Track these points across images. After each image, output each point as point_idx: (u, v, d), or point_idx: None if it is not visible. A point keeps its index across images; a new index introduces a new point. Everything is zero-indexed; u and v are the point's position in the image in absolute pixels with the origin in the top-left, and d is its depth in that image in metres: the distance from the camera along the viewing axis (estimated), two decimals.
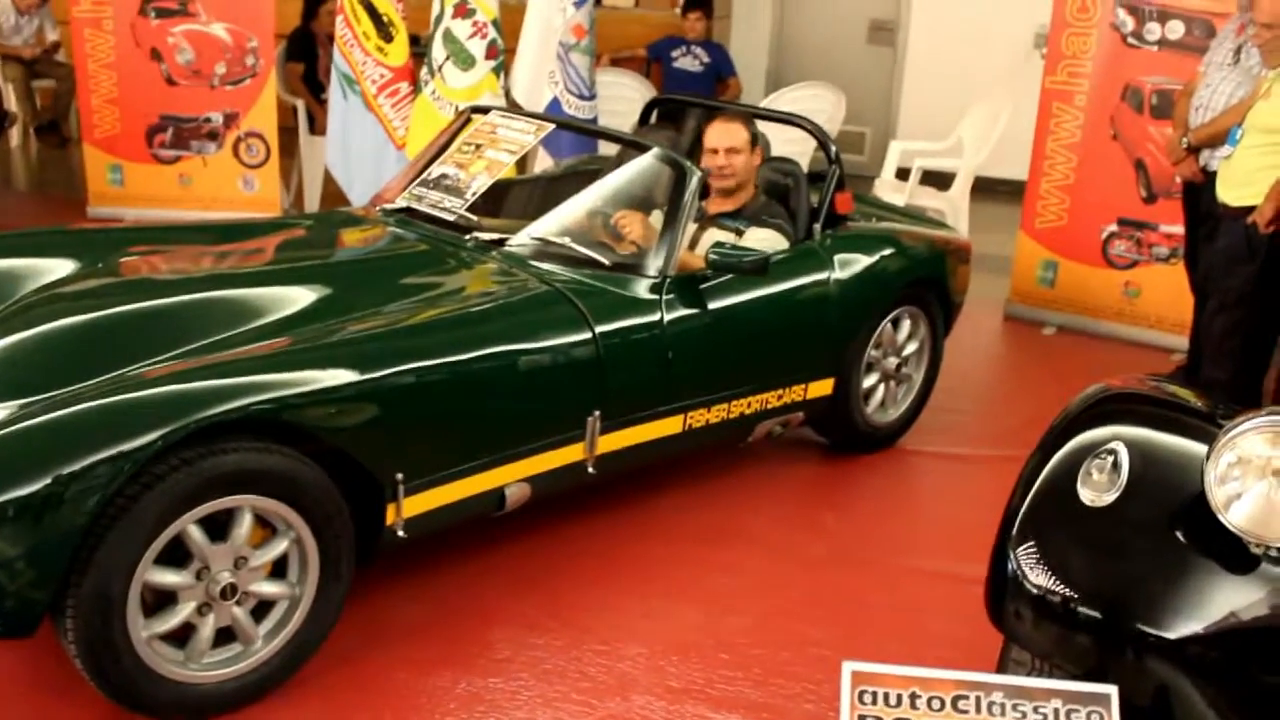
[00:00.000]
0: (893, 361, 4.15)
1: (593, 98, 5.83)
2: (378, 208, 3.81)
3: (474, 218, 3.63)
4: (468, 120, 4.01)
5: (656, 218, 3.66)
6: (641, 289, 3.40)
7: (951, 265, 4.36)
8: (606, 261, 3.41)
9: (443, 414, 2.90)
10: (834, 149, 4.14)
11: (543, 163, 5.55)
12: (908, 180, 6.44)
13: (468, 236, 3.49)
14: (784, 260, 3.80)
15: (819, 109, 6.75)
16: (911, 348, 4.24)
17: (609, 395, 3.23)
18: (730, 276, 3.55)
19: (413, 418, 2.83)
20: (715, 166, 3.86)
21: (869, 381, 4.10)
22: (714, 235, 3.88)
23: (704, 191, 3.95)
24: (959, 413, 4.70)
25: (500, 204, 4.11)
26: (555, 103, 5.78)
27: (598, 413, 3.21)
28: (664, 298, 3.41)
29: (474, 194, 3.65)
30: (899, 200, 6.15)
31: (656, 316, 3.38)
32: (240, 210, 6.26)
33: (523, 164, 5.57)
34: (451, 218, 3.60)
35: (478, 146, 3.88)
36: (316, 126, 6.67)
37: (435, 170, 3.83)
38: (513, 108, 5.59)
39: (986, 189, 7.64)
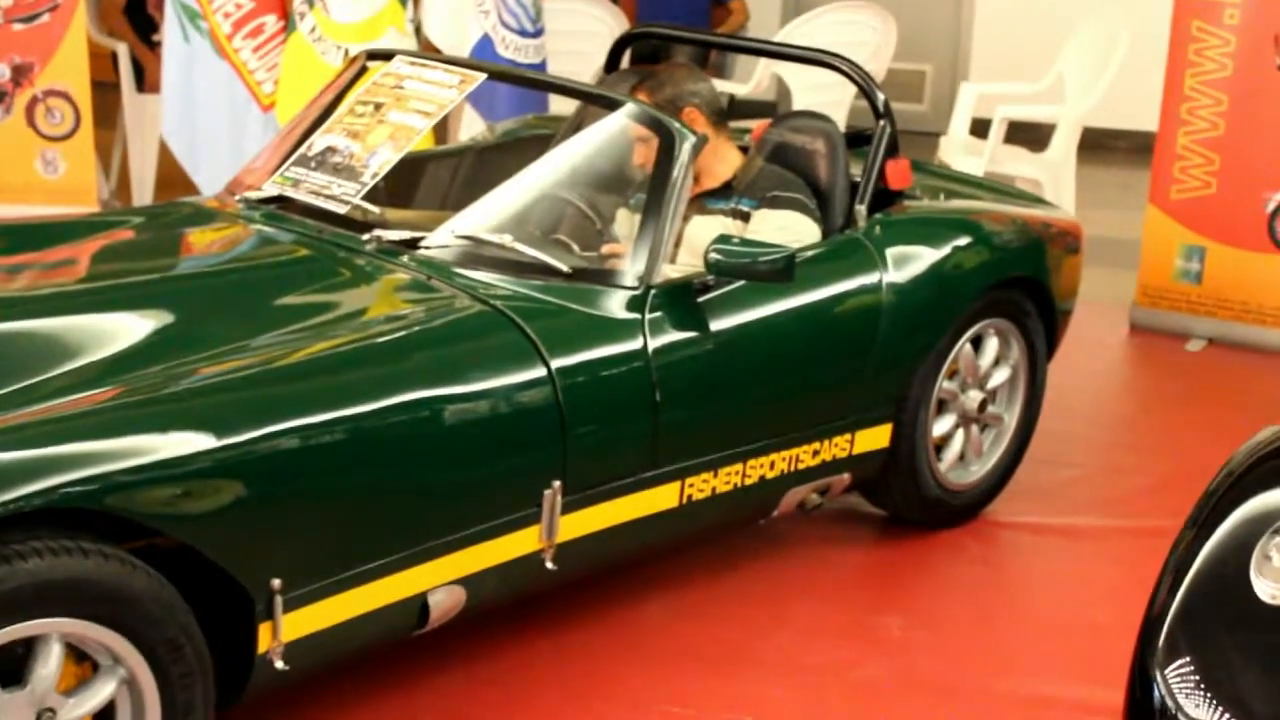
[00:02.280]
0: (975, 397, 4.16)
1: (539, 34, 5.85)
2: (237, 197, 3.81)
3: (375, 209, 3.63)
4: (363, 70, 4.02)
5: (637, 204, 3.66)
6: (615, 305, 3.41)
7: (1055, 258, 4.38)
8: (564, 268, 3.42)
9: (336, 492, 2.89)
10: (881, 97, 4.16)
11: (472, 127, 5.58)
12: (987, 137, 6.46)
13: (366, 236, 3.49)
14: (816, 258, 3.81)
15: (859, 40, 6.82)
16: (1001, 377, 4.26)
17: (573, 457, 3.23)
18: (739, 284, 3.55)
19: (293, 499, 2.82)
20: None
21: (941, 427, 4.11)
22: (704, 226, 3.87)
23: None
24: (1071, 467, 4.69)
25: (413, 189, 4.12)
26: (486, 42, 5.80)
27: (557, 483, 3.21)
28: (647, 316, 3.41)
29: (374, 175, 3.64)
30: (975, 166, 6.19)
31: (637, 343, 3.38)
32: (39, 204, 6.20)
33: (442, 130, 5.64)
34: (342, 209, 3.59)
35: (377, 107, 3.87)
36: (147, 81, 6.67)
37: (318, 142, 3.82)
38: (427, 50, 5.61)
39: (1098, 146, 7.71)
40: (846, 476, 3.91)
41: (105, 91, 6.73)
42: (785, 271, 3.45)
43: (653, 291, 3.45)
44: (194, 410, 2.77)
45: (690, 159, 3.57)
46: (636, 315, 3.40)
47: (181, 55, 5.88)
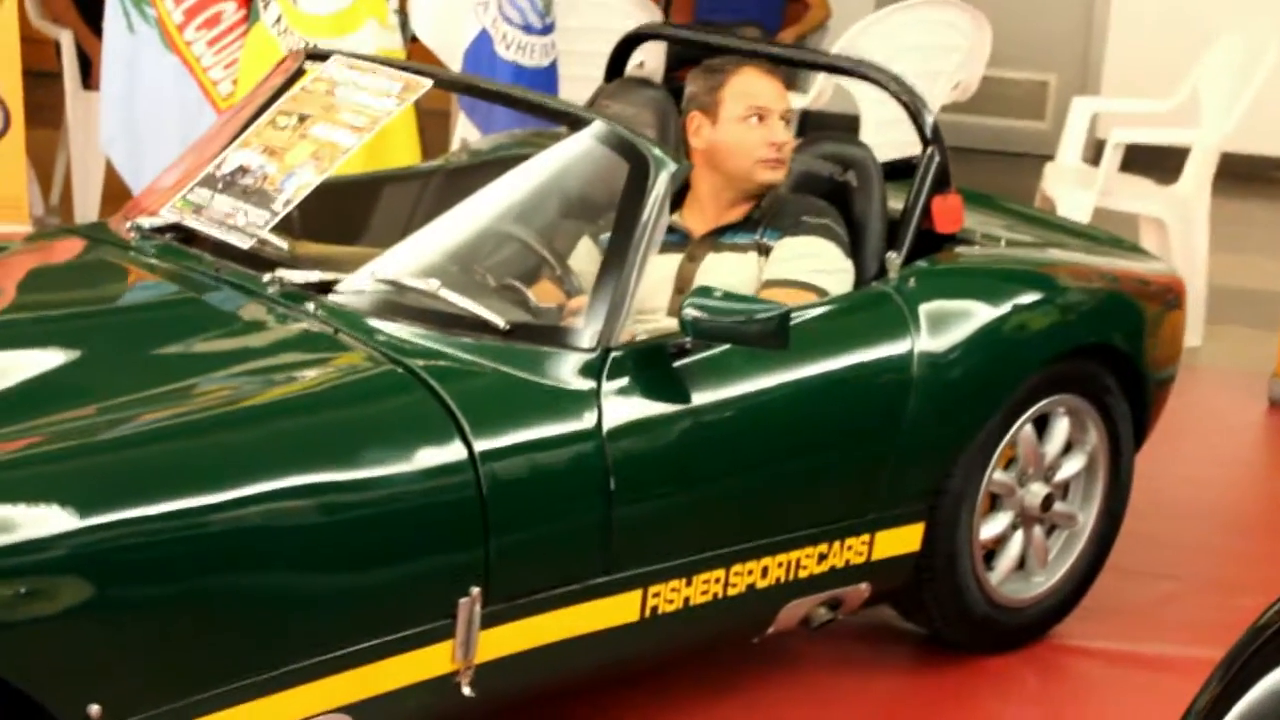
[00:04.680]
0: (1037, 492, 4.03)
1: (548, 30, 5.82)
2: (129, 224, 3.76)
3: (283, 245, 3.60)
4: (299, 72, 3.96)
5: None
6: (564, 371, 3.33)
7: (1149, 320, 4.27)
8: (501, 323, 3.33)
9: (181, 596, 2.82)
10: (929, 119, 4.09)
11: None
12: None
13: (268, 277, 3.41)
14: (827, 315, 3.71)
15: (948, 44, 6.69)
16: (1073, 467, 4.13)
17: (498, 558, 3.15)
18: (722, 349, 3.45)
19: (124, 605, 2.77)
20: (767, 146, 3.84)
21: (993, 528, 3.99)
22: (719, 266, 3.81)
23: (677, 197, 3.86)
24: (1168, 580, 4.54)
25: (348, 221, 4.07)
26: (484, 39, 5.78)
27: (476, 590, 3.12)
28: (604, 385, 3.33)
29: (287, 203, 3.61)
30: (1085, 202, 6.03)
31: (589, 418, 3.29)
32: None
33: (437, 144, 5.57)
34: (246, 244, 3.53)
35: (302, 119, 3.82)
36: (94, 76, 6.65)
37: (230, 159, 3.78)
38: (415, 51, 5.56)
39: (1238, 175, 7.47)
40: (865, 587, 3.80)
41: (45, 87, 6.74)
42: (777, 334, 3.34)
43: (613, 355, 3.36)
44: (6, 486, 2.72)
45: (666, 191, 3.47)
46: (590, 384, 3.32)
47: (124, 48, 5.86)
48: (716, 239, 3.87)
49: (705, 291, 3.37)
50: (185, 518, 2.81)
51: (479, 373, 3.25)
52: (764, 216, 3.86)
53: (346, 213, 4.11)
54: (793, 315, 3.50)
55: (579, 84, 5.43)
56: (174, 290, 3.50)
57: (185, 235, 3.67)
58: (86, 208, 6.65)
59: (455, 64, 5.92)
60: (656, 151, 3.51)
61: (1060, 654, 4.14)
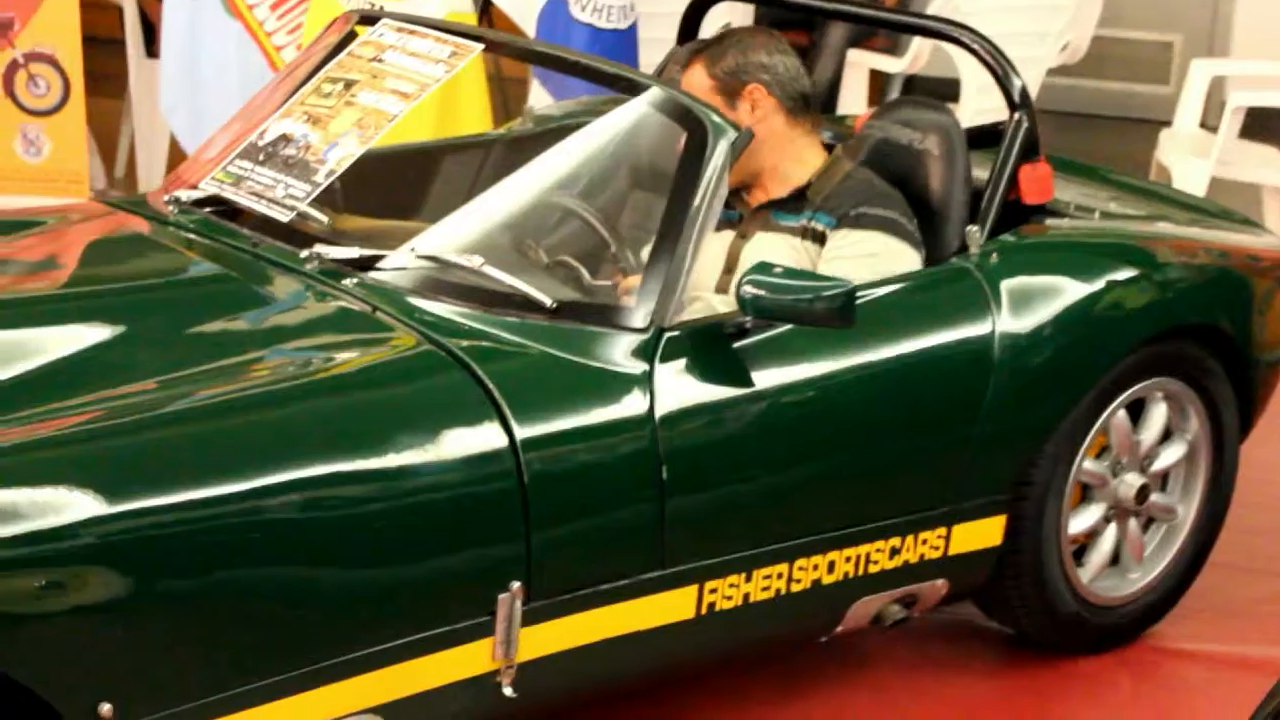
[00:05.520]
0: (1132, 483, 3.96)
1: None
2: (167, 197, 3.78)
3: (323, 219, 3.60)
4: (350, 35, 3.95)
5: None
6: (614, 353, 3.30)
7: (1258, 298, 4.18)
8: (547, 301, 3.31)
9: (201, 591, 2.82)
10: (1018, 83, 4.01)
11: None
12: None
13: (305, 253, 3.40)
14: (900, 292, 3.66)
15: (1051, 2, 6.60)
16: (1172, 456, 4.06)
17: (540, 552, 3.13)
18: (784, 328, 3.40)
19: (140, 599, 2.76)
20: None
21: (1083, 521, 3.93)
22: (769, 246, 3.75)
23: None
24: (1277, 577, 4.45)
25: (391, 192, 4.05)
26: (558, 1, 5.72)
27: (516, 585, 3.10)
28: (657, 368, 3.30)
29: (329, 174, 3.60)
30: (1201, 171, 5.93)
31: (640, 404, 3.27)
32: (17, 193, 6.29)
33: (510, 107, 5.57)
34: (285, 217, 3.53)
35: (348, 85, 3.81)
36: (157, 43, 6.69)
37: (272, 128, 3.78)
38: (494, 14, 5.56)
39: None
40: (942, 584, 3.75)
41: (107, 54, 6.79)
42: (842, 312, 3.31)
43: (666, 335, 3.33)
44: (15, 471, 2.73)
45: (726, 161, 3.44)
46: (642, 366, 3.29)
47: (185, 13, 5.95)
48: (767, 216, 3.81)
49: (764, 268, 3.32)
50: (208, 506, 2.81)
51: (522, 354, 3.24)
52: (818, 195, 3.79)
53: (398, 184, 4.10)
54: (863, 292, 3.50)
55: (663, 47, 5.39)
56: (208, 267, 3.52)
57: (225, 209, 3.68)
58: (151, 181, 6.71)
59: (529, 27, 5.92)
60: (716, 118, 3.47)
61: (1158, 656, 4.09)
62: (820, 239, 3.76)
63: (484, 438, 3.08)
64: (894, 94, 7.81)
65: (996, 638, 4.07)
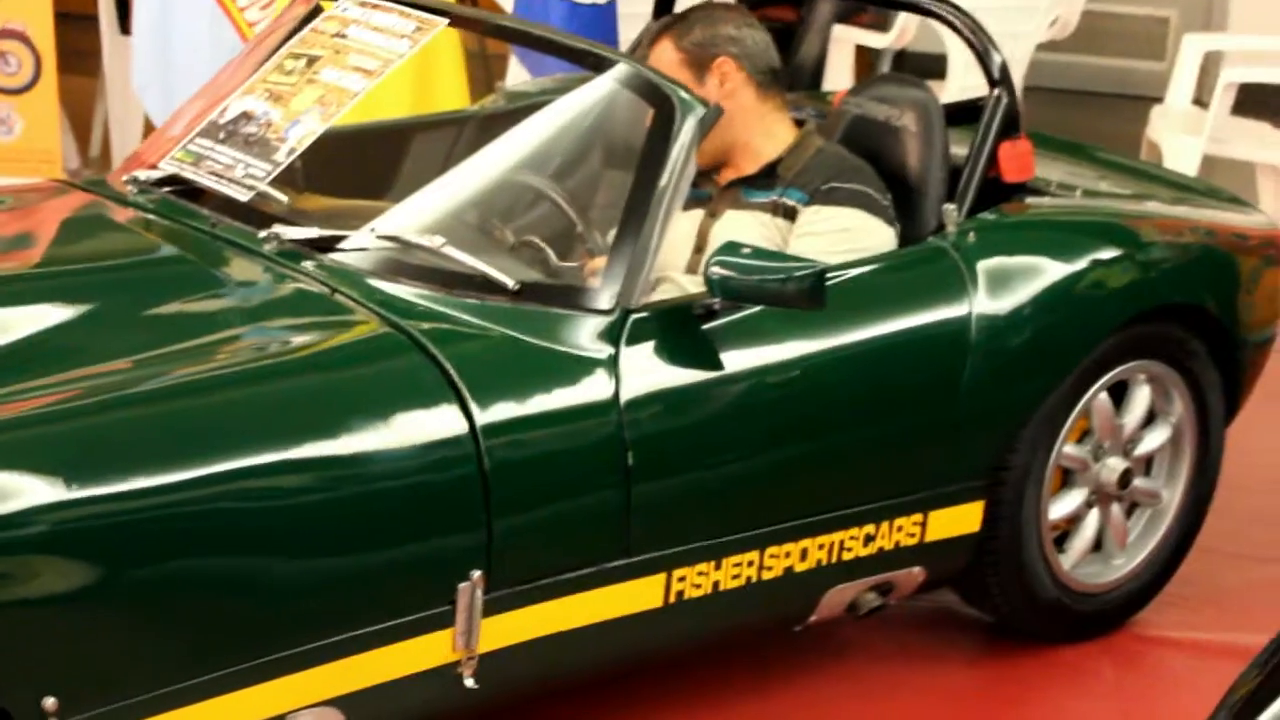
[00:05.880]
0: (1114, 467, 3.91)
1: None
2: (126, 177, 3.75)
3: (283, 199, 3.56)
4: (315, 10, 3.92)
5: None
6: (578, 335, 3.27)
7: (1245, 278, 4.15)
8: (510, 283, 3.28)
9: (150, 580, 2.78)
10: (998, 59, 3.96)
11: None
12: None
13: (264, 234, 3.38)
14: (873, 273, 3.62)
15: None
16: (1156, 440, 4.01)
17: (501, 540, 3.09)
18: (754, 310, 3.37)
19: (85, 589, 2.73)
20: None
21: (1063, 507, 3.88)
22: (739, 224, 3.71)
23: None
24: (1265, 562, 4.42)
25: (356, 171, 4.02)
26: None
27: (477, 574, 3.07)
28: (622, 351, 3.27)
29: (290, 152, 3.57)
30: (1193, 149, 5.88)
31: (605, 387, 3.23)
32: None
33: (494, 84, 5.52)
34: (244, 197, 3.50)
35: (310, 61, 3.77)
36: (131, 20, 6.64)
37: (234, 106, 3.75)
38: None
39: None
40: (919, 571, 3.71)
41: (85, 29, 6.73)
42: (812, 294, 3.26)
43: (633, 317, 3.30)
44: None
45: (694, 139, 3.41)
46: (607, 349, 3.26)
47: None
48: (736, 193, 3.77)
49: (732, 248, 3.29)
50: (156, 494, 2.78)
51: (483, 336, 3.20)
52: (788, 171, 3.75)
53: (365, 163, 4.07)
54: (836, 273, 3.47)
55: (642, 22, 5.34)
56: (164, 248, 3.49)
57: (185, 188, 3.64)
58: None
59: (507, 1, 5.87)
60: (684, 95, 3.43)
61: (1142, 644, 4.05)
62: (791, 215, 3.72)
63: (443, 422, 3.05)
64: (883, 70, 7.78)
65: (977, 626, 4.03)
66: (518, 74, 5.74)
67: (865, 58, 7.76)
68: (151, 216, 3.57)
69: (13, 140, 6.39)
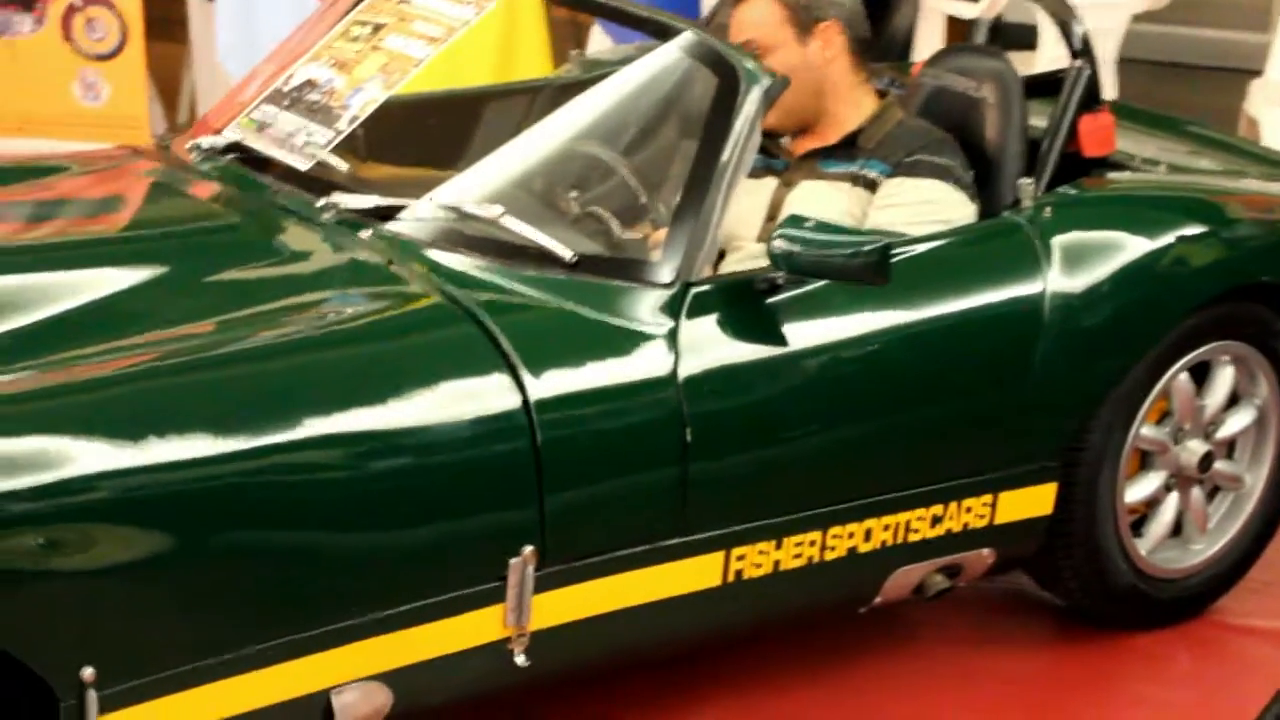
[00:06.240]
0: (1195, 450, 3.83)
1: None
2: (189, 145, 3.73)
3: (344, 167, 3.55)
4: None
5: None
6: (637, 309, 3.22)
7: None
8: (567, 255, 3.23)
9: (190, 551, 2.75)
10: (1079, 30, 3.91)
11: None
12: None
13: (322, 202, 3.34)
14: (944, 248, 3.55)
15: None
16: (1239, 422, 3.92)
17: (554, 516, 3.06)
18: (819, 284, 3.30)
19: (128, 560, 2.71)
20: None
21: (1141, 490, 3.80)
22: (815, 195, 3.66)
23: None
24: None
25: (424, 140, 3.99)
26: None
27: (529, 549, 3.03)
28: (682, 325, 3.21)
29: (352, 120, 3.54)
30: None
31: (664, 362, 3.18)
32: (77, 138, 6.22)
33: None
34: (305, 165, 3.46)
35: (376, 29, 3.74)
36: None
37: (299, 73, 3.73)
38: None
39: None
40: (988, 553, 3.64)
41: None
42: (877, 268, 3.20)
43: (693, 291, 3.25)
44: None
45: (759, 110, 3.36)
46: (666, 323, 3.21)
47: None
48: (813, 164, 3.72)
49: (796, 221, 3.23)
50: (206, 463, 2.75)
51: (538, 308, 3.16)
52: (869, 142, 3.70)
53: (431, 132, 4.04)
54: (905, 248, 3.43)
55: None
56: (222, 215, 3.48)
57: (248, 155, 3.63)
58: None
59: None
60: (749, 64, 3.37)
61: (1221, 632, 3.98)
62: (872, 187, 3.66)
63: (495, 395, 3.01)
64: (978, 41, 7.65)
65: (1049, 610, 3.97)
66: (601, 42, 5.68)
67: (960, 29, 7.62)
68: (213, 183, 3.55)
69: (100, 106, 6.42)
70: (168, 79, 6.98)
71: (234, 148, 3.64)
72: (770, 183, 3.69)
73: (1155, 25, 7.71)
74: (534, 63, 5.64)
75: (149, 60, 6.47)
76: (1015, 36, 7.11)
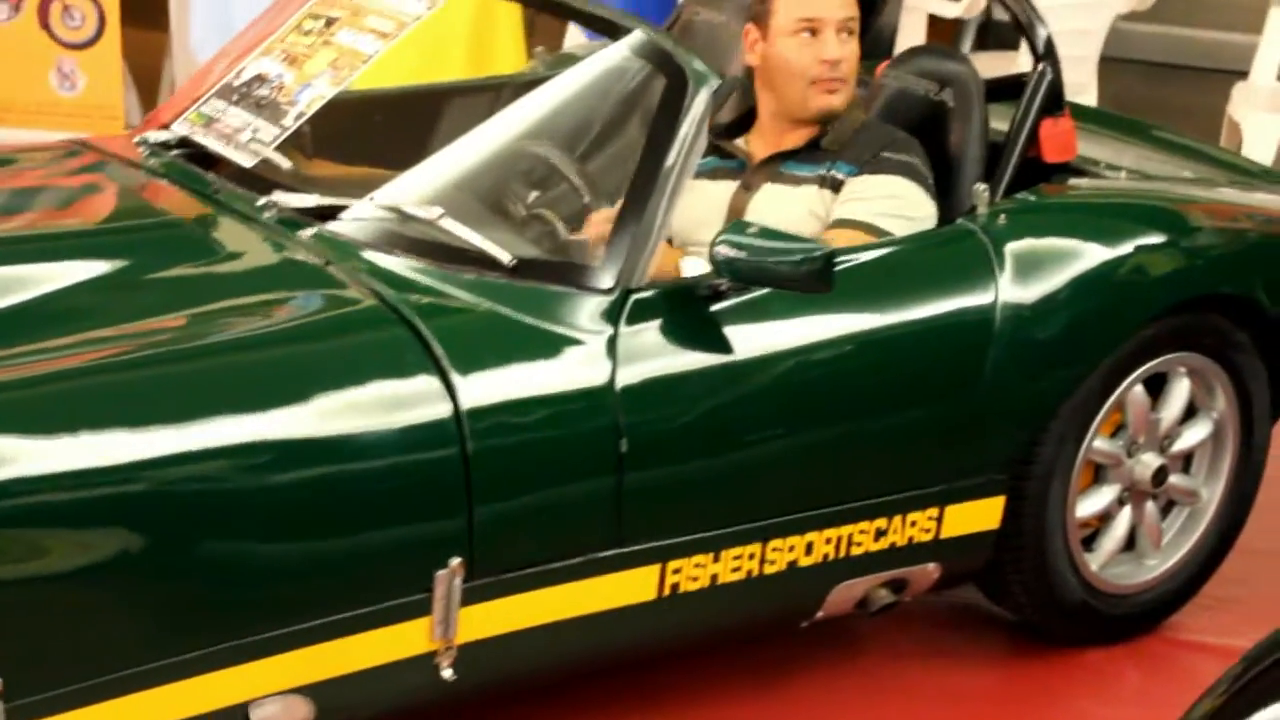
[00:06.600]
0: (1149, 463, 3.76)
1: None
2: (136, 139, 3.70)
3: (288, 164, 3.48)
4: None
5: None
6: (575, 314, 3.16)
7: None
8: (505, 257, 3.16)
9: (114, 557, 2.70)
10: (1043, 33, 3.84)
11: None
12: None
13: (262, 201, 3.29)
14: (892, 256, 3.48)
15: None
16: (1195, 436, 3.85)
17: (483, 527, 3.00)
18: (763, 291, 3.24)
19: (47, 565, 2.65)
20: (819, 65, 3.61)
21: (1093, 504, 3.73)
22: (778, 199, 3.61)
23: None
24: None
25: (367, 139, 3.94)
26: None
27: (456, 561, 2.97)
28: (621, 332, 3.15)
29: (298, 117, 3.51)
30: (1272, 125, 5.67)
31: (601, 370, 3.11)
32: (54, 128, 6.17)
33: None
34: (249, 162, 3.41)
35: (329, 23, 3.71)
36: None
37: (249, 67, 3.70)
38: None
39: None
40: (934, 568, 3.58)
41: None
42: (819, 276, 3.13)
43: (634, 297, 3.18)
44: None
45: (706, 112, 3.29)
46: (605, 330, 3.14)
47: None
48: (776, 167, 3.66)
49: (740, 227, 3.17)
50: (122, 470, 2.70)
51: (472, 312, 3.10)
52: (835, 145, 3.64)
53: (384, 130, 3.99)
54: (855, 254, 3.37)
55: None
56: (160, 213, 3.44)
57: (195, 151, 3.59)
58: None
59: None
60: (697, 65, 3.30)
61: (1173, 649, 3.91)
62: (839, 188, 3.61)
63: (424, 401, 2.95)
64: (966, 41, 7.59)
65: (1001, 624, 3.90)
66: (577, 38, 5.62)
67: (949, 28, 7.56)
68: (157, 179, 3.51)
69: (75, 96, 6.37)
70: (149, 67, 6.91)
71: (182, 143, 3.59)
72: (730, 185, 3.64)
73: (1145, 25, 7.64)
74: (509, 59, 5.59)
75: (129, 48, 6.43)
76: (1004, 36, 7.06)
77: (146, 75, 6.90)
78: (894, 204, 3.54)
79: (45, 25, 6.29)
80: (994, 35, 7.33)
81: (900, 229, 3.51)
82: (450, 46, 5.53)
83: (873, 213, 3.50)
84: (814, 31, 3.57)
